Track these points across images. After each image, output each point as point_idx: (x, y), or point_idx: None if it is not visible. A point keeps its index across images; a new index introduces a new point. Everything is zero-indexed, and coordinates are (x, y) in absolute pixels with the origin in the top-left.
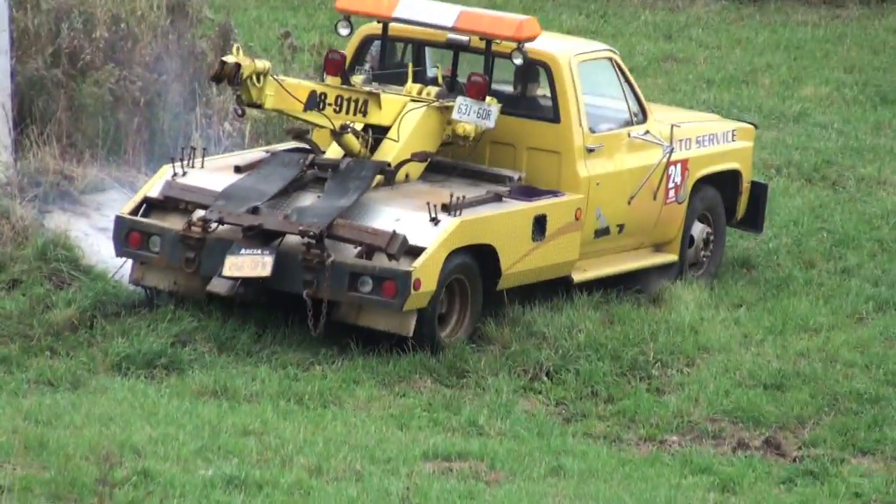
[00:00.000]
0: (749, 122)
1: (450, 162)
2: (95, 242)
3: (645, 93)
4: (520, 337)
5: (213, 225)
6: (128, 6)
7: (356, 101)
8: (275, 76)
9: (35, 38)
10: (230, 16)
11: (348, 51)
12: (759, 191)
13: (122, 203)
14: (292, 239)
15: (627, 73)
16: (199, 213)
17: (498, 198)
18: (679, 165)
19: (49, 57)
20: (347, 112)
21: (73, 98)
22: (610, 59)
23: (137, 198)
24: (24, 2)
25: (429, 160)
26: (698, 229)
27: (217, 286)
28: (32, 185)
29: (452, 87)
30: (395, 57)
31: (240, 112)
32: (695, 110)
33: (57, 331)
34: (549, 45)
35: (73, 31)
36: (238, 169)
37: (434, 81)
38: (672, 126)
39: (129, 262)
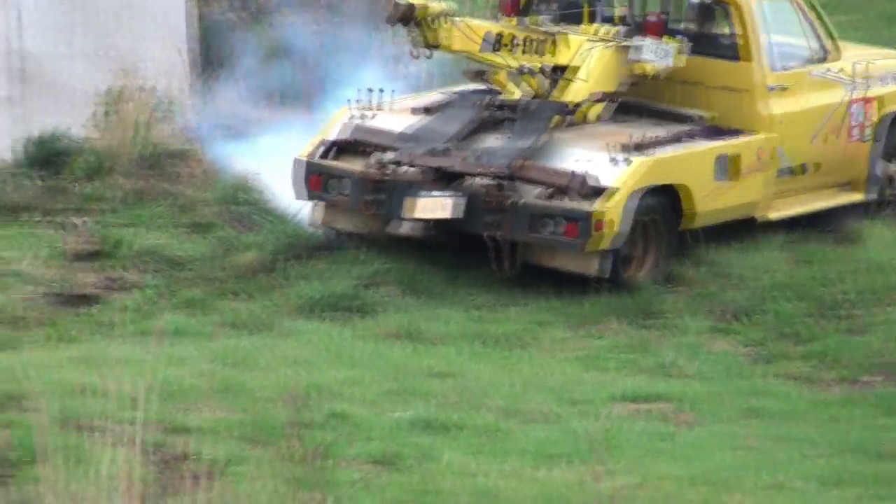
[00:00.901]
0: None
1: (635, 102)
2: (278, 185)
3: (834, 27)
4: (711, 278)
5: (398, 167)
6: None
7: (534, 41)
8: (452, 17)
9: None
10: None
11: None
12: None
13: (301, 146)
14: (477, 181)
15: (816, 7)
16: (381, 154)
17: (683, 137)
18: (863, 103)
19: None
20: (526, 52)
21: (250, 41)
22: None
23: (316, 140)
24: None
25: (611, 100)
26: (887, 168)
27: (399, 227)
28: (216, 129)
29: (633, 24)
30: None
31: (415, 55)
32: (881, 46)
33: (243, 273)
34: None
35: None
36: (418, 110)
37: (612, 20)
38: (854, 63)
39: (310, 204)
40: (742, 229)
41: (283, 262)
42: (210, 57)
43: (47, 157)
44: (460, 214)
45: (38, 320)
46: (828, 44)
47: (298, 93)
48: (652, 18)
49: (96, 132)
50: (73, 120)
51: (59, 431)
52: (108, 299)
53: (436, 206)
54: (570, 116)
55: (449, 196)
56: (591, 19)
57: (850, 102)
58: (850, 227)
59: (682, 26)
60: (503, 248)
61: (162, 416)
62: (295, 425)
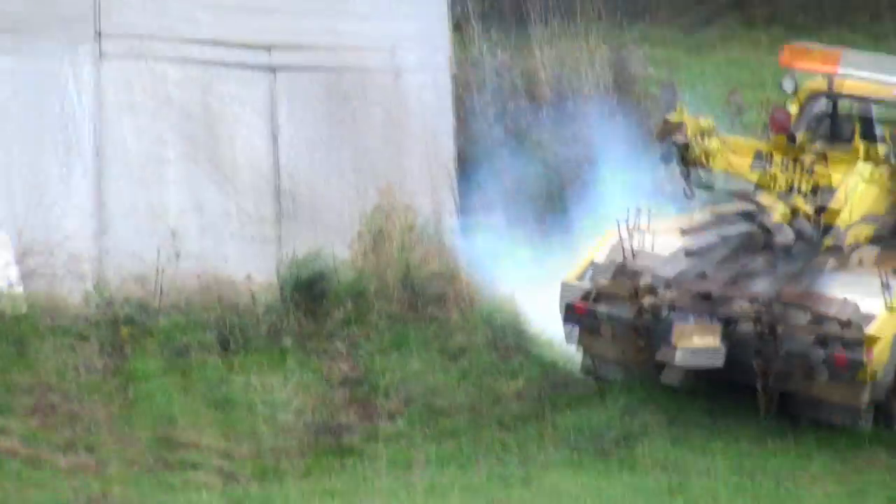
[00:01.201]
0: None
1: None
2: (540, 308)
3: None
4: None
5: (663, 308)
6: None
7: (802, 161)
8: (720, 134)
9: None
10: (673, 73)
11: (794, 108)
12: None
13: (565, 267)
14: (741, 304)
15: None
16: (647, 282)
17: None
18: None
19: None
20: (794, 171)
21: (513, 159)
22: None
23: (584, 262)
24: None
25: (883, 238)
26: None
27: (670, 377)
28: (479, 250)
29: None
30: (842, 119)
31: (689, 195)
32: None
33: (504, 402)
34: None
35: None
36: (685, 233)
37: (881, 139)
38: None
39: (575, 334)
40: None
41: (547, 390)
42: (470, 174)
43: (308, 283)
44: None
45: (295, 451)
46: None
47: (564, 211)
48: None
49: (358, 254)
50: (336, 245)
51: None
52: (367, 428)
53: (704, 334)
54: (842, 240)
55: (716, 324)
56: (863, 137)
57: None
58: None
59: None
60: (766, 385)
61: None
62: None
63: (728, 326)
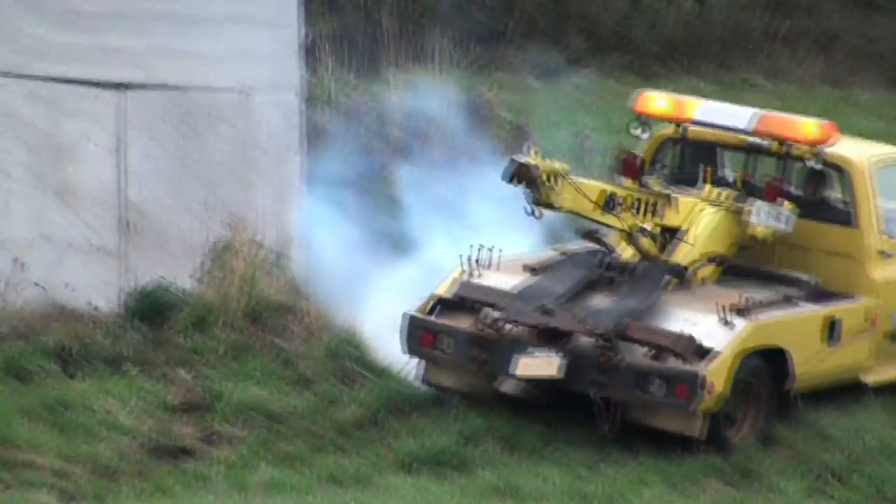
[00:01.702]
0: None
1: (744, 265)
2: (384, 340)
3: None
4: (809, 439)
5: (505, 325)
6: (426, 104)
7: (651, 203)
8: (570, 178)
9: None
10: (527, 117)
11: (646, 153)
12: None
13: (409, 300)
14: (583, 339)
15: None
16: (489, 312)
17: (790, 301)
18: None
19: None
20: (642, 213)
21: (363, 197)
22: None
23: (429, 297)
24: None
25: (724, 264)
26: None
27: (508, 387)
28: (324, 282)
29: (749, 190)
30: (690, 159)
31: (534, 214)
32: None
33: (345, 429)
34: (846, 149)
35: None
36: (529, 269)
37: (729, 184)
38: None
39: (418, 360)
40: (843, 390)
41: (388, 416)
42: (318, 209)
43: (151, 308)
44: (559, 373)
45: (134, 472)
46: None
47: (411, 245)
48: (773, 183)
49: (202, 284)
50: (179, 272)
51: None
52: (206, 452)
53: (543, 364)
54: (685, 278)
55: (556, 355)
56: (711, 181)
57: None
58: None
59: (796, 190)
60: (609, 408)
61: None
62: None
63: (572, 349)
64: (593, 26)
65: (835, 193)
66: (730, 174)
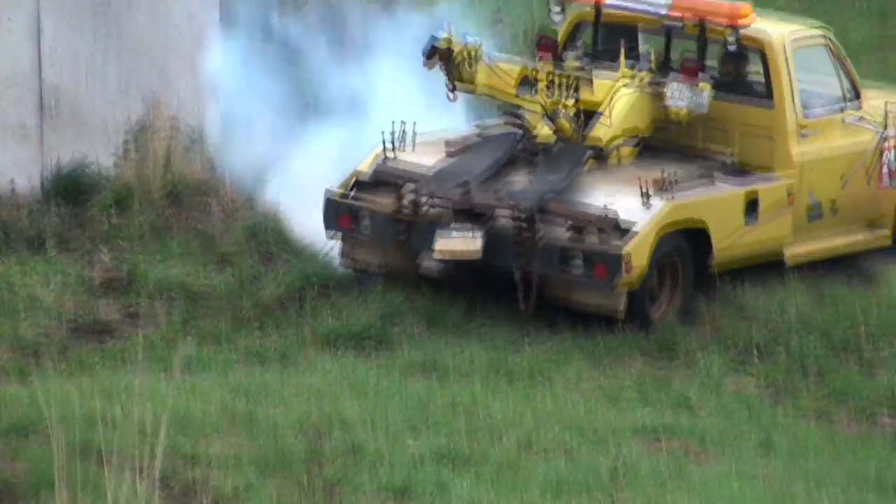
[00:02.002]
0: None
1: (662, 143)
2: (305, 219)
3: (859, 77)
4: (730, 315)
5: (424, 204)
6: None
7: (568, 83)
8: (486, 57)
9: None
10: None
11: (561, 34)
12: None
13: (331, 180)
14: (503, 218)
15: (842, 53)
16: (410, 192)
17: (710, 179)
18: (895, 149)
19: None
20: (559, 94)
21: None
22: (824, 40)
23: (349, 176)
24: None
25: (641, 142)
26: None
27: (428, 266)
28: (243, 161)
29: (665, 70)
30: (607, 40)
31: (452, 98)
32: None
33: (266, 307)
34: (764, 28)
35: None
36: (448, 146)
37: (646, 64)
38: (887, 109)
39: (338, 240)
40: (763, 267)
41: (309, 295)
42: (234, 85)
43: (72, 189)
44: (479, 251)
45: (57, 350)
46: (856, 88)
47: (332, 123)
48: (689, 62)
49: (122, 165)
50: (100, 153)
51: (76, 461)
52: (129, 331)
53: (463, 243)
54: (604, 158)
55: (478, 233)
56: (628, 62)
57: (882, 148)
58: (870, 268)
59: (715, 70)
60: (529, 286)
61: (177, 446)
62: (312, 457)
63: (492, 227)
64: None
65: (753, 72)
66: (647, 55)
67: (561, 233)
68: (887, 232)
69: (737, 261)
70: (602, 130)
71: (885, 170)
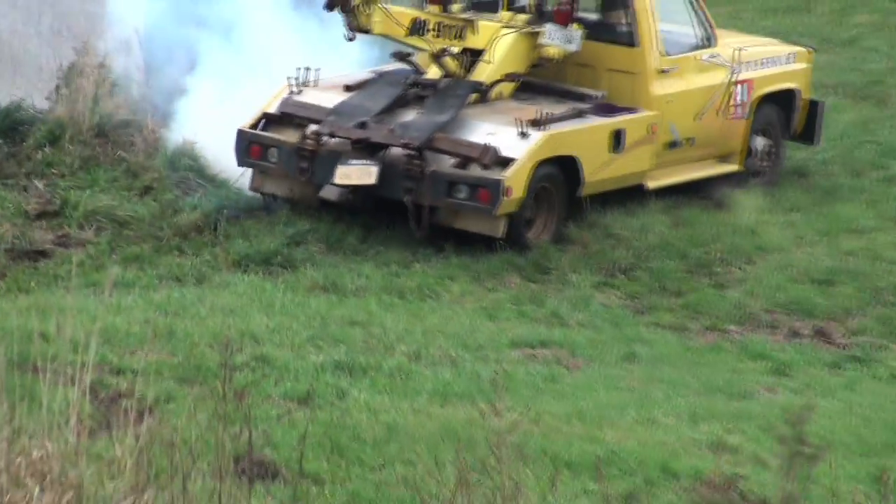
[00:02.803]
0: (806, 47)
1: (538, 81)
2: (219, 152)
3: (714, 18)
4: (598, 238)
5: (325, 138)
6: None
7: (455, 27)
8: (382, 4)
9: None
10: None
11: None
12: (814, 108)
13: (242, 117)
14: (396, 150)
15: (700, 2)
16: (313, 127)
17: (580, 114)
18: (743, 85)
19: None
20: (446, 37)
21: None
22: None
23: (257, 113)
24: None
25: (519, 80)
26: (760, 142)
27: (329, 193)
28: (163, 101)
29: (541, 14)
30: None
31: (349, 37)
32: (755, 34)
33: (184, 232)
34: None
35: None
36: (347, 87)
37: (524, 9)
38: (736, 49)
39: (249, 170)
40: (628, 194)
41: (222, 221)
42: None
43: (8, 126)
44: (375, 181)
45: None
46: (711, 32)
47: (244, 67)
48: (561, 7)
49: (54, 104)
50: (34, 93)
51: (14, 373)
52: (62, 254)
53: (361, 173)
54: (486, 94)
55: (373, 165)
56: (508, 7)
57: (733, 84)
58: (724, 194)
59: (585, 14)
60: (420, 211)
61: (105, 358)
62: (224, 367)
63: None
64: None
65: (621, 18)
66: (525, 1)
67: (447, 164)
68: (737, 163)
69: (605, 187)
70: (484, 70)
71: (735, 102)
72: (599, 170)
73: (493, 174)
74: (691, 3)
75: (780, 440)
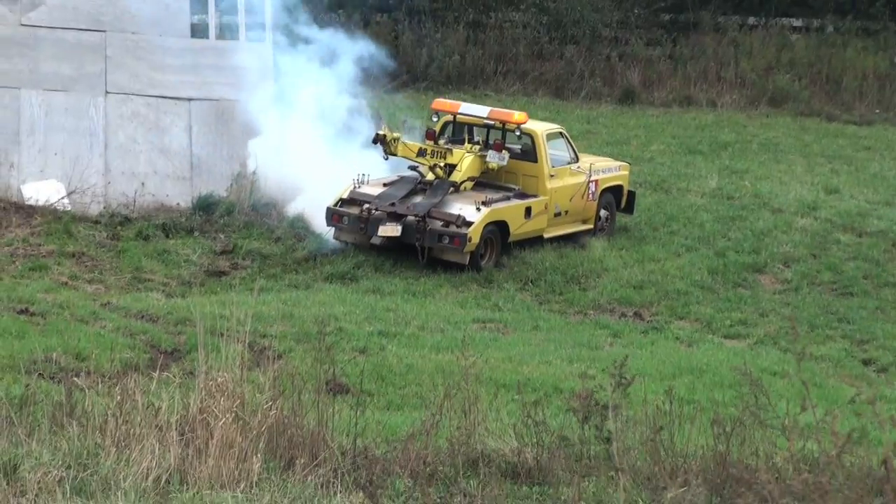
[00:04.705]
0: (626, 161)
1: (485, 181)
2: (316, 219)
3: (577, 147)
4: (518, 264)
5: (373, 211)
6: None
7: (441, 152)
8: (402, 140)
9: None
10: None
11: (437, 128)
12: (632, 195)
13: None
14: (410, 218)
15: (570, 138)
16: (366, 205)
17: (508, 198)
18: (594, 183)
19: None
20: (437, 157)
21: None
22: (561, 132)
23: (336, 198)
24: None
25: (475, 181)
26: (603, 213)
27: (375, 241)
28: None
29: (486, 145)
30: (459, 131)
31: (385, 158)
32: (601, 155)
33: (298, 262)
34: (532, 125)
35: None
36: (385, 184)
37: (478, 143)
38: (590, 164)
39: (333, 228)
40: (534, 241)
41: (317, 256)
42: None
43: (206, 205)
44: (399, 234)
45: (199, 283)
46: (576, 155)
47: (330, 172)
48: (497, 142)
49: (229, 194)
50: (219, 188)
51: (208, 336)
52: (233, 274)
53: (392, 230)
54: (458, 188)
55: (398, 225)
56: (469, 142)
57: (588, 182)
58: (583, 240)
59: (510, 146)
60: (423, 250)
61: (256, 329)
62: (320, 334)
63: (405, 222)
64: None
65: (529, 146)
66: (478, 138)
67: (438, 224)
68: (591, 224)
69: (522, 237)
70: (457, 175)
71: (589, 192)
72: (519, 228)
73: (462, 230)
74: (566, 140)
75: (612, 372)
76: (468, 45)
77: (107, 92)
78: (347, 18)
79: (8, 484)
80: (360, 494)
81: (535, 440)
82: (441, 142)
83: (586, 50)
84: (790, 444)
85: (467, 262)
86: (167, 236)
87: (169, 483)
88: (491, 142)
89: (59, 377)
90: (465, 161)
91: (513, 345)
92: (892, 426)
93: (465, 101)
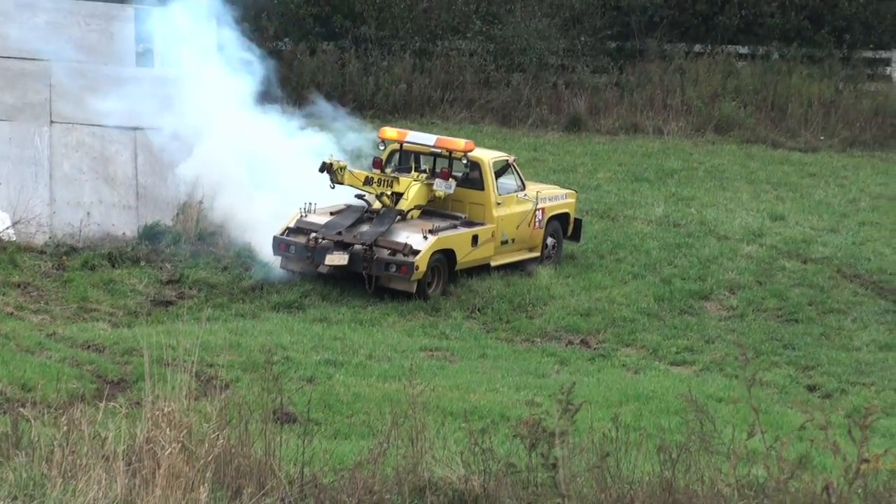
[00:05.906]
0: (573, 189)
1: (432, 209)
2: (263, 247)
3: (524, 175)
4: (465, 292)
5: (320, 240)
6: None
7: (387, 180)
8: (349, 169)
9: None
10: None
11: (384, 157)
12: (578, 222)
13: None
14: (357, 246)
15: (517, 166)
16: (313, 234)
17: (455, 226)
18: (540, 210)
19: None
20: (383, 186)
21: None
22: (507, 160)
23: (283, 227)
24: None
25: (422, 209)
26: (550, 241)
27: (322, 269)
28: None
29: (433, 173)
30: (405, 159)
31: (332, 187)
32: (547, 183)
33: (245, 291)
34: (479, 153)
35: None
36: (332, 213)
37: (424, 171)
38: (537, 191)
39: (280, 258)
40: (481, 269)
41: (264, 286)
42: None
43: (152, 234)
44: (347, 262)
45: (145, 312)
46: (523, 183)
47: (278, 201)
48: (443, 170)
49: (176, 223)
50: (165, 217)
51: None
52: (179, 304)
53: (339, 258)
54: (405, 216)
55: (345, 254)
56: (416, 170)
57: (535, 210)
58: (530, 268)
59: (456, 173)
60: (370, 279)
61: (203, 358)
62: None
63: (352, 251)
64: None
65: (476, 175)
66: (425, 166)
67: (385, 253)
68: (538, 252)
69: (469, 265)
70: (404, 204)
71: (536, 220)
72: (466, 256)
73: (409, 259)
74: (514, 170)
75: (558, 399)
76: (415, 73)
77: (51, 121)
78: (294, 46)
79: None
80: None
81: (482, 468)
82: (388, 170)
83: (533, 78)
84: (733, 469)
85: (414, 291)
86: (113, 266)
87: None
88: (438, 170)
89: (5, 408)
90: (411, 189)
91: (460, 373)
92: (836, 452)
93: (411, 129)
